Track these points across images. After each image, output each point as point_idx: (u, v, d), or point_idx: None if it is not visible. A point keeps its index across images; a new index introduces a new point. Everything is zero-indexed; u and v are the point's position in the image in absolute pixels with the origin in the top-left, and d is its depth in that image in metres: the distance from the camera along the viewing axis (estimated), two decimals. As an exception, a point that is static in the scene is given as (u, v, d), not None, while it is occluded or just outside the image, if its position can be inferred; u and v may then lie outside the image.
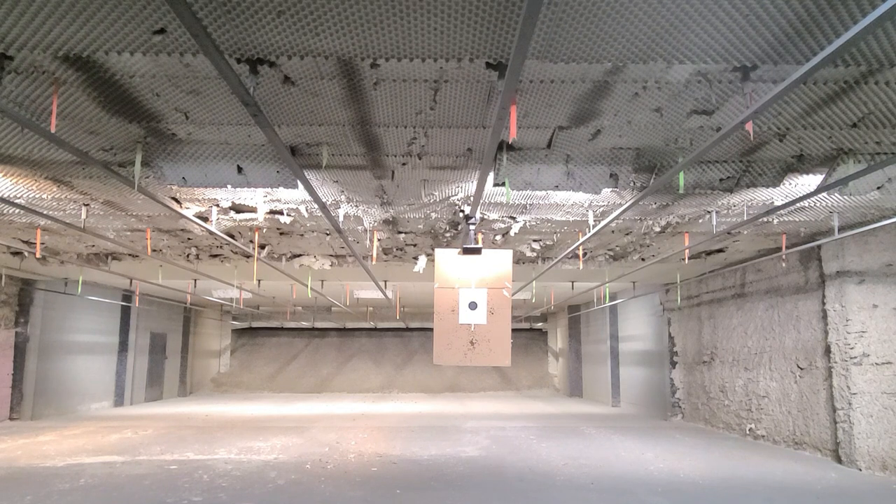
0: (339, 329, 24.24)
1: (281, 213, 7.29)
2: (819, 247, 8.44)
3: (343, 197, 6.63)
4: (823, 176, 5.68)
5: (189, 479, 6.89)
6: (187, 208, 7.04)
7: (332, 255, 10.21)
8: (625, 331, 16.18)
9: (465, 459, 8.27)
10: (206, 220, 7.44)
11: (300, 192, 6.40)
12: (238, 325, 23.66)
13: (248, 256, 10.02)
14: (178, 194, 6.51)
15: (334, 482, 6.85)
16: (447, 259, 5.61)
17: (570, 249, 8.44)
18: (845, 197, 6.42)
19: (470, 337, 5.45)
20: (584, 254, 9.86)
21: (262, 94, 4.04)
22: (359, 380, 22.51)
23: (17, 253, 10.06)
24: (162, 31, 3.28)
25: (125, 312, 16.20)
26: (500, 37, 3.33)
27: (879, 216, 7.22)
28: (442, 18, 3.16)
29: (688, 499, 6.18)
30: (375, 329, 24.14)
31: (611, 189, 5.98)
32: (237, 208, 7.12)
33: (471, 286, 5.53)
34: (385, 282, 12.08)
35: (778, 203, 6.60)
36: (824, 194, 6.30)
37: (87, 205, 6.91)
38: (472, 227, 6.14)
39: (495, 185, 5.71)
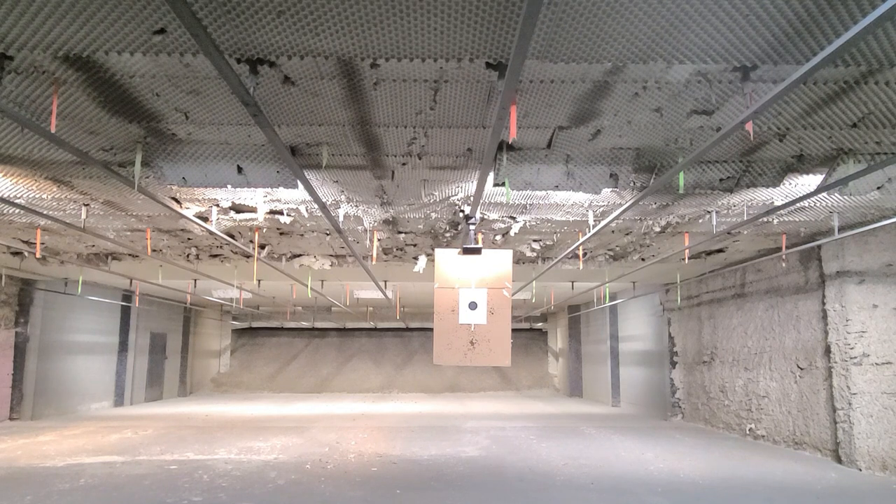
0: (339, 329, 24.24)
1: (281, 213, 7.29)
2: (819, 247, 8.44)
3: (343, 197, 6.63)
4: (823, 176, 5.68)
5: (189, 479, 6.89)
6: (187, 208, 7.04)
7: (332, 255, 10.21)
8: (625, 331, 16.18)
9: (465, 459, 8.27)
10: (206, 220, 7.44)
11: (300, 192, 6.40)
12: (238, 325, 23.66)
13: (248, 256, 10.02)
14: (178, 194, 6.51)
15: (334, 482, 6.85)
16: (447, 259, 5.61)
17: (570, 249, 8.44)
18: (845, 197, 6.42)
19: (470, 337, 5.45)
20: (584, 254, 9.86)
21: (262, 94, 4.04)
22: (359, 380, 22.51)
23: (17, 253, 10.06)
24: (162, 31, 3.28)
25: (125, 312, 16.20)
26: (500, 37, 3.33)
27: (879, 216, 7.22)
28: (442, 18, 3.16)
29: (688, 499, 6.18)
30: (375, 329, 24.14)
31: (611, 189, 5.98)
32: (237, 208, 7.12)
33: (471, 286, 5.53)
34: (385, 282, 12.08)
35: (778, 203, 6.60)
36: (824, 194, 6.30)
37: (87, 205, 6.91)
38: (472, 227, 6.14)
39: (495, 185, 5.71)
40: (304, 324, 23.16)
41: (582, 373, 19.59)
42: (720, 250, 9.73)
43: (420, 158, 5.39)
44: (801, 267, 8.99)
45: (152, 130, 4.77)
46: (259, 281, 12.26)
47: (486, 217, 7.43)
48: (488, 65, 3.66)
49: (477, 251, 5.61)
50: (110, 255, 10.34)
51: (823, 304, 8.38)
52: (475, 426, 11.99)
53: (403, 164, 5.53)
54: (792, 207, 6.73)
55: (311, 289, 12.36)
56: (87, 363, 14.66)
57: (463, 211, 7.17)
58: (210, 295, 15.53)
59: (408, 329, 23.94)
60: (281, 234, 8.48)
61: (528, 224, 7.71)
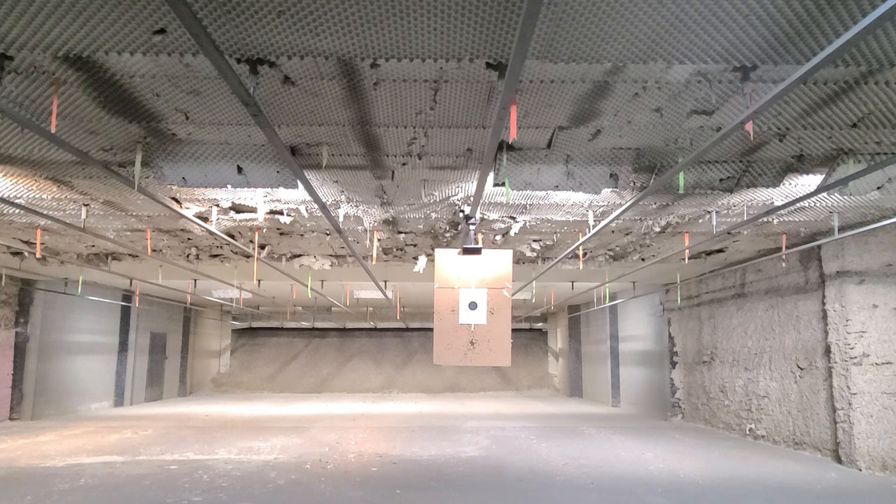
0: (339, 329, 24.24)
1: (281, 213, 7.29)
2: (819, 247, 8.44)
3: (343, 197, 6.63)
4: (823, 176, 5.68)
5: (189, 479, 6.89)
6: (187, 208, 7.04)
7: (332, 256, 10.21)
8: (625, 331, 16.18)
9: (465, 459, 8.27)
10: (206, 220, 7.44)
11: (300, 192, 6.40)
12: (238, 325, 23.66)
13: (248, 256, 10.02)
14: (178, 194, 6.51)
15: (334, 482, 6.85)
16: (447, 259, 5.61)
17: (570, 249, 8.43)
18: (845, 197, 6.42)
19: (470, 337, 5.45)
20: (584, 254, 9.86)
21: (262, 94, 4.04)
22: (359, 380, 22.51)
23: (17, 253, 10.06)
24: (162, 31, 3.28)
25: (125, 312, 16.20)
26: (500, 37, 3.33)
27: (879, 216, 7.22)
28: (442, 18, 3.16)
29: (688, 499, 6.18)
30: (375, 329, 24.14)
31: (611, 189, 5.98)
32: (237, 208, 7.12)
33: (471, 286, 5.53)
34: (385, 282, 12.08)
35: (778, 203, 6.60)
36: (824, 194, 6.30)
37: (87, 205, 6.91)
38: (472, 227, 6.14)
39: (495, 185, 5.72)
40: (304, 324, 23.16)
41: (582, 373, 19.59)
42: (720, 250, 9.73)
43: (420, 158, 5.39)
44: (801, 267, 8.99)
45: (152, 130, 4.77)
46: (259, 281, 12.26)
47: (486, 217, 7.43)
48: (488, 65, 3.66)
49: (477, 251, 5.61)
50: (110, 255, 10.34)
51: (823, 304, 8.38)
52: (475, 426, 11.99)
53: (403, 164, 5.53)
54: (792, 207, 6.73)
55: (311, 289, 12.37)
56: (87, 363, 14.66)
57: (463, 211, 7.17)
58: (210, 295, 15.53)
59: (408, 329, 23.94)
60: (281, 234, 8.48)
61: (528, 224, 7.71)
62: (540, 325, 23.61)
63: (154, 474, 7.18)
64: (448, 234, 8.40)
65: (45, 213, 6.61)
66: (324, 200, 6.50)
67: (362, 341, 24.09)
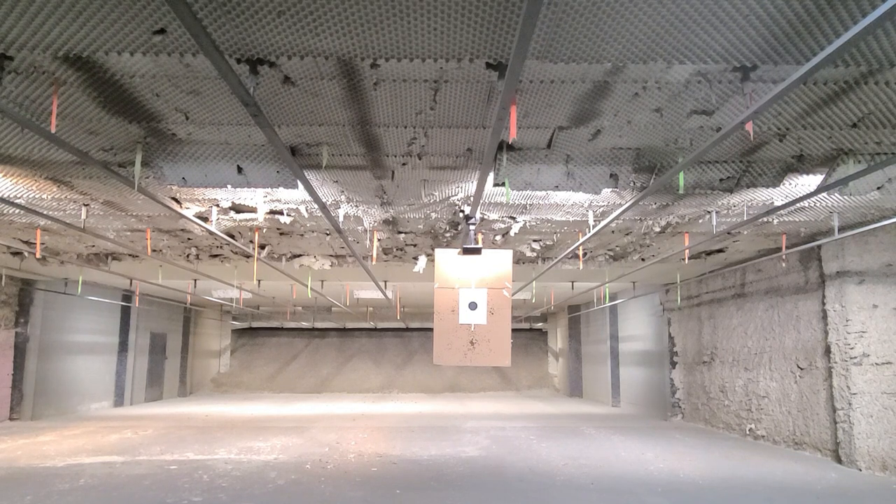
0: (339, 329, 24.23)
1: (281, 213, 7.29)
2: (819, 247, 8.44)
3: (343, 197, 6.63)
4: (823, 176, 5.68)
5: (189, 480, 6.89)
6: (187, 208, 7.04)
7: (332, 256, 10.21)
8: (625, 331, 16.18)
9: (465, 459, 8.27)
10: (206, 220, 7.44)
11: (300, 193, 6.40)
12: (238, 325, 23.66)
13: (248, 256, 10.02)
14: (178, 194, 6.51)
15: (334, 482, 6.85)
16: (447, 259, 5.61)
17: (570, 249, 8.43)
18: (845, 197, 6.42)
19: (470, 337, 5.45)
20: (584, 254, 9.86)
21: (262, 94, 4.04)
22: (359, 380, 22.51)
23: (17, 253, 10.06)
24: (162, 31, 3.28)
25: (125, 312, 16.20)
26: (500, 37, 3.33)
27: (879, 216, 7.22)
28: (442, 18, 3.16)
29: (688, 499, 6.18)
30: (375, 329, 24.14)
31: (611, 189, 5.98)
32: (237, 208, 7.12)
33: (471, 286, 5.53)
34: (385, 282, 12.08)
35: (778, 203, 6.60)
36: (824, 194, 6.30)
37: (87, 205, 6.91)
38: (472, 227, 6.14)
39: (495, 185, 5.71)
40: (304, 324, 23.15)
41: (582, 373, 19.59)
42: (720, 250, 9.73)
43: (420, 158, 5.39)
44: (801, 267, 8.99)
45: (152, 130, 4.77)
46: (259, 281, 12.26)
47: (486, 217, 7.43)
48: (488, 65, 3.66)
49: (477, 251, 5.60)
50: (110, 255, 10.34)
51: (823, 304, 8.38)
52: (475, 426, 11.99)
53: (403, 164, 5.53)
54: (792, 207, 6.73)
55: (311, 289, 12.36)
56: (87, 363, 14.65)
57: (463, 211, 7.17)
58: (210, 295, 15.53)
59: (408, 329, 23.93)
60: (281, 234, 8.48)
61: (528, 224, 7.71)
62: (540, 325, 23.61)
63: (154, 474, 7.18)
64: (448, 234, 8.40)
65: (45, 213, 6.61)
66: (324, 200, 6.50)
67: (362, 341, 24.09)
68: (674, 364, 13.24)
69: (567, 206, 6.84)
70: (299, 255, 10.17)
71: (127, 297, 15.85)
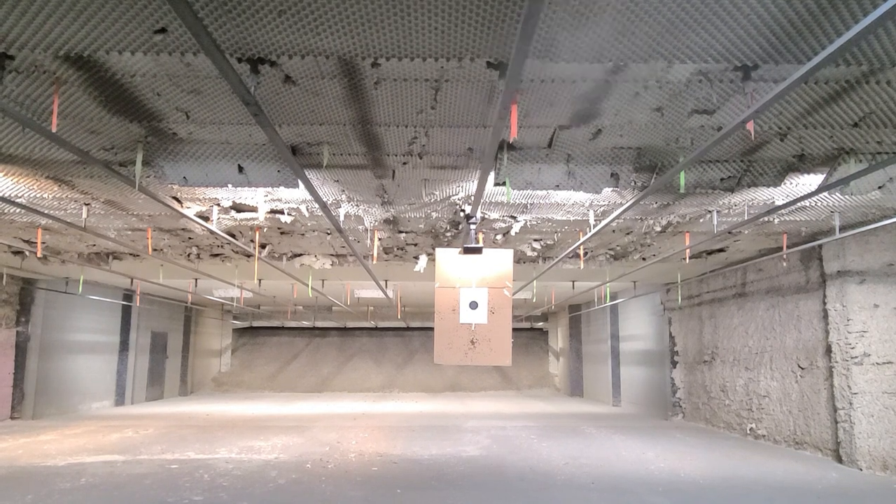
0: (340, 328, 24.24)
1: (282, 212, 7.29)
2: (820, 246, 8.43)
3: (344, 196, 6.63)
4: (824, 175, 5.67)
5: (190, 479, 6.90)
6: (188, 208, 7.05)
7: (332, 255, 10.21)
8: (625, 330, 16.17)
9: (466, 459, 8.27)
10: (206, 219, 7.44)
11: (301, 192, 6.40)
12: (239, 324, 23.66)
13: (249, 256, 10.02)
14: (178, 194, 6.51)
15: (335, 482, 6.85)
16: (448, 258, 5.61)
17: (570, 249, 8.43)
18: (846, 196, 6.41)
19: (470, 336, 5.46)
20: (585, 253, 9.86)
21: (262, 93, 4.04)
22: (359, 379, 22.52)
23: (18, 252, 10.06)
24: (163, 30, 3.28)
25: (126, 312, 16.21)
26: (501, 36, 3.33)
27: (881, 216, 7.21)
28: (442, 18, 3.16)
29: (688, 498, 6.18)
30: (376, 328, 24.14)
31: (611, 188, 5.98)
32: (238, 208, 7.13)
33: (471, 286, 5.53)
34: (386, 281, 12.08)
35: (779, 203, 6.59)
36: (825, 194, 6.30)
37: (88, 204, 6.91)
38: (472, 226, 6.14)
39: (496, 184, 5.71)
40: (305, 323, 23.16)
41: (583, 372, 19.59)
42: (721, 250, 9.72)
43: (421, 158, 5.39)
44: (801, 266, 8.98)
45: (153, 130, 4.77)
46: (260, 280, 12.26)
47: (486, 216, 7.43)
48: (489, 64, 3.66)
49: (478, 251, 5.60)
50: (111, 254, 10.35)
51: (824, 303, 8.38)
52: (476, 426, 12.00)
53: (404, 163, 5.53)
54: (793, 207, 6.72)
55: (312, 288, 12.37)
56: (88, 362, 14.66)
57: (464, 210, 7.17)
58: (211, 294, 15.54)
59: (408, 328, 23.94)
60: (282, 233, 8.48)
61: (528, 223, 7.70)
62: (540, 324, 23.60)
63: (155, 473, 7.19)
64: (449, 234, 8.40)
65: (46, 212, 6.61)
66: (324, 200, 6.50)
67: (363, 341, 24.09)
68: (674, 363, 13.23)
69: (568, 205, 6.84)
70: (300, 255, 10.17)
71: (128, 296, 15.85)
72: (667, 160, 5.42)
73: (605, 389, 17.19)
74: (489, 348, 5.44)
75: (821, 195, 6.34)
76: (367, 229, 8.19)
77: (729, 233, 8.15)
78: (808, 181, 5.90)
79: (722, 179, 5.79)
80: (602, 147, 5.18)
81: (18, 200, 6.63)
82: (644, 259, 10.25)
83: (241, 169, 5.47)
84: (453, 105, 4.27)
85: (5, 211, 7.24)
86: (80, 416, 13.52)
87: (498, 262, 5.59)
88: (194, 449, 8.96)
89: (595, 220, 7.32)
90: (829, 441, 8.24)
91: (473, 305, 5.48)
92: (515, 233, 8.14)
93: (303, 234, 8.57)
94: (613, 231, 8.18)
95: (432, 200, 6.77)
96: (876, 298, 7.87)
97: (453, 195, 6.59)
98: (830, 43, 3.29)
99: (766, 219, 7.32)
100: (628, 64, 3.65)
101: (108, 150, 5.16)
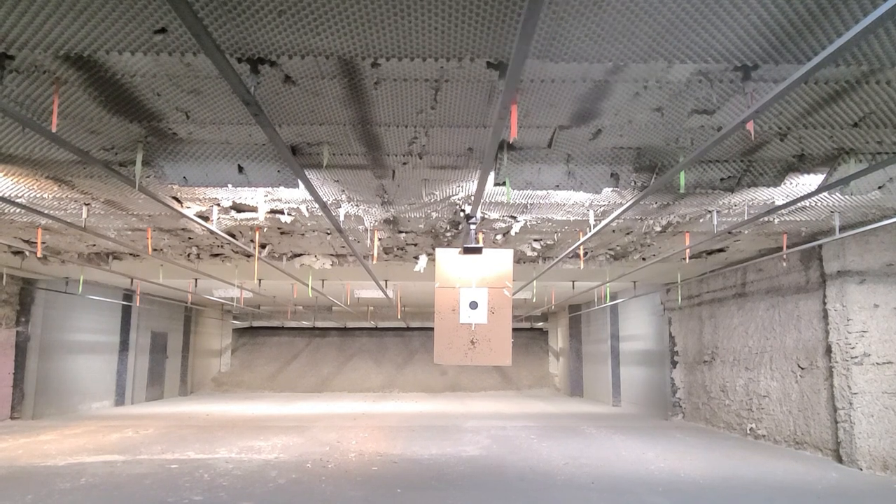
0: (340, 328, 24.24)
1: (282, 212, 7.29)
2: (820, 246, 8.43)
3: (344, 196, 6.63)
4: (824, 175, 5.67)
5: (190, 479, 6.90)
6: (188, 208, 7.05)
7: (332, 255, 10.21)
8: (625, 330, 16.17)
9: (466, 459, 8.27)
10: (206, 219, 7.44)
11: (301, 192, 6.40)
12: (239, 324, 23.66)
13: (249, 256, 10.02)
14: (178, 194, 6.51)
15: (335, 481, 6.85)
16: (448, 258, 5.61)
17: (570, 249, 8.43)
18: (846, 196, 6.41)
19: (470, 336, 5.46)
20: (585, 253, 9.86)
21: (262, 93, 4.04)
22: (359, 379, 22.52)
23: (18, 252, 10.06)
24: (163, 30, 3.28)
25: (126, 312, 16.21)
26: (501, 36, 3.33)
27: (881, 216, 7.21)
28: (442, 18, 3.16)
29: (689, 498, 6.18)
30: (376, 328, 24.14)
31: (611, 188, 5.98)
32: (238, 208, 7.13)
33: (471, 286, 5.53)
34: (386, 281, 12.08)
35: (779, 203, 6.59)
36: (825, 194, 6.30)
37: (88, 204, 6.91)
38: (472, 226, 6.14)
39: (496, 184, 5.71)
40: (305, 323, 23.16)
41: (582, 372, 19.59)
42: (721, 250, 9.72)
43: (421, 158, 5.39)
44: (801, 266, 8.98)
45: (153, 130, 4.77)
46: (260, 280, 12.26)
47: (486, 216, 7.43)
48: (489, 64, 3.66)
49: (478, 251, 5.60)
50: (111, 254, 10.35)
51: (824, 303, 8.38)
52: (476, 426, 12.00)
53: (404, 163, 5.53)
54: (793, 207, 6.72)
55: (312, 288, 12.37)
56: (88, 362, 14.66)
57: (464, 210, 7.17)
58: (211, 294, 15.54)
59: (408, 328, 23.94)
60: (282, 233, 8.48)
61: (528, 223, 7.70)
62: (540, 324, 23.60)
63: (155, 473, 7.19)
64: (449, 234, 8.40)
65: (46, 212, 6.61)
66: (324, 200, 6.50)
67: (363, 341, 24.09)
68: (674, 363, 13.23)
69: (568, 205, 6.84)
70: (300, 255, 10.17)
71: (128, 296, 15.85)
72: (667, 160, 5.42)
73: (605, 389, 17.19)
74: (489, 348, 5.44)
75: (821, 195, 6.34)
76: (367, 229, 8.19)
77: (729, 233, 8.15)
78: (808, 181, 5.90)
79: (722, 179, 5.79)
80: (602, 147, 5.18)
81: (18, 200, 6.63)
82: (644, 259, 10.25)
83: (241, 169, 5.47)
84: (453, 105, 4.27)
85: (5, 211, 7.24)
86: (80, 416, 13.52)
87: (498, 262, 5.59)
88: (194, 449, 8.96)
89: (595, 220, 7.32)
90: (829, 441, 8.24)
91: (473, 305, 5.48)
92: (515, 233, 8.14)
93: (303, 234, 8.57)
94: (613, 231, 8.18)
95: (432, 200, 6.78)
96: (876, 298, 7.87)
97: (453, 195, 6.59)
98: (830, 43, 3.29)
99: (766, 219, 7.32)
100: (628, 64, 3.65)
101: (108, 150, 5.16)
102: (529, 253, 9.64)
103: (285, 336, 24.21)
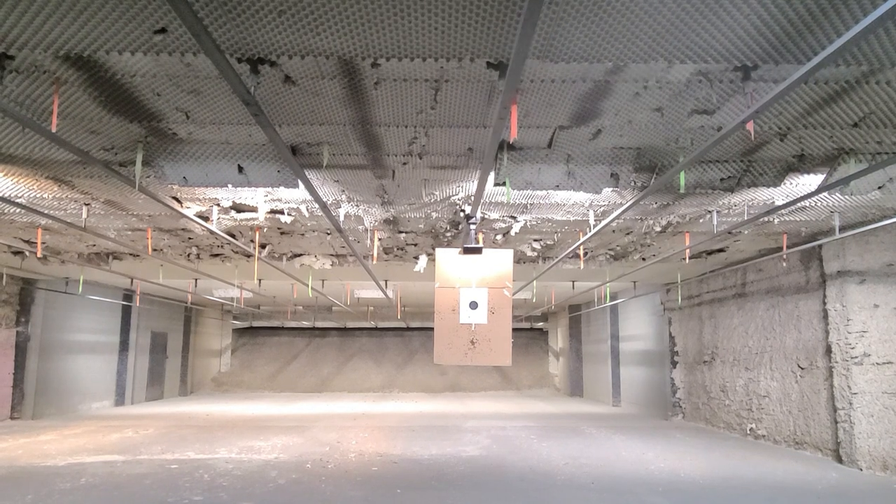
0: (340, 328, 24.24)
1: (282, 212, 7.29)
2: (820, 246, 8.43)
3: (344, 196, 6.63)
4: (824, 175, 5.67)
5: (190, 479, 6.90)
6: (188, 208, 7.05)
7: (332, 255, 10.21)
8: (625, 330, 16.18)
9: (466, 459, 8.27)
10: (206, 219, 7.44)
11: (301, 192, 6.40)
12: (239, 324, 23.66)
13: (249, 256, 10.02)
14: (178, 194, 6.51)
15: (335, 482, 6.85)
16: (448, 258, 5.61)
17: (570, 249, 8.43)
18: (846, 197, 6.41)
19: (470, 336, 5.46)
20: (585, 253, 9.86)
21: (262, 93, 4.04)
22: (359, 379, 22.52)
23: (18, 252, 10.06)
24: (163, 30, 3.28)
25: (126, 312, 16.21)
26: (501, 36, 3.33)
27: (880, 216, 7.21)
28: (442, 18, 3.16)
29: (688, 498, 6.18)
30: (376, 329, 24.14)
31: (611, 189, 5.98)
32: (238, 208, 7.13)
33: (471, 286, 5.53)
34: (386, 281, 12.09)
35: (779, 203, 6.59)
36: (825, 194, 6.30)
37: (88, 204, 6.91)
38: (472, 226, 6.14)
39: (496, 184, 5.71)
40: (305, 323, 23.16)
41: (582, 372, 19.59)
42: (721, 250, 9.72)
43: (421, 158, 5.39)
44: (801, 267, 8.98)
45: (153, 130, 4.77)
46: (260, 280, 12.26)
47: (486, 217, 7.43)
48: (489, 64, 3.66)
49: (478, 251, 5.61)
50: (111, 254, 10.35)
51: (824, 303, 8.38)
52: (476, 426, 12.00)
53: (404, 163, 5.53)
54: (793, 207, 6.73)
55: (312, 288, 12.37)
56: (87, 362, 14.66)
57: (464, 210, 7.17)
58: (211, 294, 15.54)
59: (408, 328, 23.94)
60: (282, 233, 8.48)
61: (528, 224, 7.71)
62: (540, 324, 23.60)
63: (155, 473, 7.19)
64: (449, 234, 8.40)
65: (46, 212, 6.61)
66: (324, 200, 6.51)
67: (363, 341, 24.09)
68: (674, 364, 13.24)
69: (568, 205, 6.84)
70: (300, 255, 10.17)
71: (128, 296, 15.86)
72: (667, 160, 5.42)
73: (604, 389, 17.19)
74: (489, 348, 5.44)
75: (821, 195, 6.34)
76: (367, 229, 8.19)
77: (729, 233, 8.15)
78: (808, 181, 5.90)
79: (722, 179, 5.79)
80: (602, 147, 5.18)
81: (18, 200, 6.63)
82: (644, 259, 10.25)
83: (241, 169, 5.48)
84: (453, 105, 4.27)
85: (5, 211, 7.24)
86: (80, 416, 13.52)
87: (498, 263, 5.59)
88: (194, 449, 8.96)
89: (595, 220, 7.32)
90: (829, 441, 8.24)
91: (473, 305, 5.48)
92: (515, 233, 8.14)
93: (303, 234, 8.57)
94: (613, 231, 8.18)
95: (432, 200, 6.78)
96: (876, 298, 7.87)
97: (453, 195, 6.59)
98: (830, 43, 3.29)
99: (766, 219, 7.32)
100: (628, 64, 3.65)
101: (108, 150, 5.16)
102: (529, 253, 9.64)
103: (285, 336, 24.21)
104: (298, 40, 3.37)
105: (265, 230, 8.26)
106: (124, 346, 16.14)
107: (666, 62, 3.62)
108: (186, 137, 4.93)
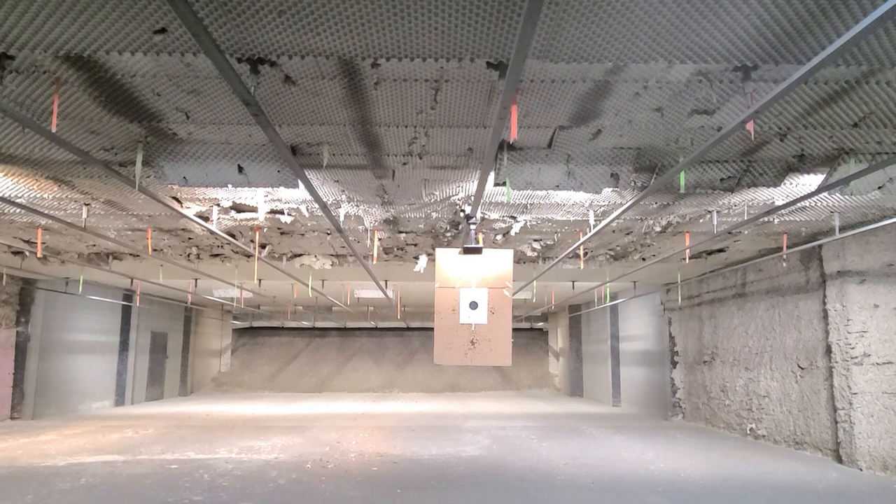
0: (340, 329, 24.24)
1: (282, 212, 7.29)
2: (820, 246, 8.43)
3: (344, 196, 6.63)
4: (824, 176, 5.67)
5: (190, 479, 6.90)
6: (188, 208, 7.05)
7: (332, 255, 10.21)
8: (625, 330, 16.17)
9: (466, 459, 8.27)
10: (206, 219, 7.44)
11: (301, 192, 6.40)
12: (239, 324, 23.66)
13: (249, 256, 10.02)
14: (178, 194, 6.51)
15: (335, 482, 6.85)
16: (448, 259, 5.61)
17: (570, 249, 8.43)
18: (846, 197, 6.41)
19: (470, 336, 5.46)
20: (585, 253, 9.86)
21: (262, 93, 4.04)
22: (359, 379, 22.52)
23: (18, 252, 10.06)
24: (163, 30, 3.28)
25: (126, 312, 16.21)
26: (501, 36, 3.33)
27: (880, 216, 7.21)
28: (442, 18, 3.16)
29: (688, 498, 6.18)
30: (376, 329, 24.14)
31: (611, 189, 5.98)
32: (238, 208, 7.13)
33: (471, 286, 5.53)
34: (386, 281, 12.09)
35: (779, 203, 6.60)
36: (825, 194, 6.30)
37: (88, 204, 6.91)
38: (472, 226, 6.14)
39: (496, 184, 5.71)
40: (305, 323, 23.16)
41: (582, 372, 19.59)
42: (721, 250, 9.72)
43: (421, 158, 5.39)
44: (801, 267, 8.98)
45: (153, 130, 4.77)
46: (260, 280, 12.26)
47: (486, 217, 7.43)
48: (489, 64, 3.66)
49: (478, 251, 5.61)
50: (111, 254, 10.35)
51: (824, 303, 8.38)
52: (476, 426, 12.00)
53: (404, 163, 5.53)
54: (793, 207, 6.73)
55: (312, 288, 12.37)
56: (87, 362, 14.66)
57: (464, 210, 7.17)
58: (211, 294, 15.54)
59: (408, 329, 23.94)
60: (282, 233, 8.48)
61: (528, 224, 7.71)
62: (540, 324, 23.60)
63: (155, 473, 7.19)
64: (449, 234, 8.40)
65: (46, 212, 6.61)
66: (324, 200, 6.51)
67: (363, 341, 24.09)
68: (674, 364, 13.24)
69: (568, 205, 6.84)
70: (300, 255, 10.17)
71: (128, 296, 15.86)
72: (667, 160, 5.42)
73: (604, 389, 17.19)
74: (489, 348, 5.44)
75: (821, 195, 6.34)
76: (367, 229, 8.19)
77: (729, 233, 8.15)
78: (808, 181, 5.90)
79: (722, 179, 5.79)
80: (602, 147, 5.18)
81: (18, 200, 6.63)
82: (644, 259, 10.25)
83: (241, 169, 5.48)
84: (453, 105, 4.27)
85: (5, 211, 7.24)
86: (80, 416, 13.52)
87: (498, 263, 5.59)
88: (194, 449, 8.96)
89: (595, 221, 7.32)
90: (829, 441, 8.24)
91: (473, 305, 5.48)
92: (515, 233, 8.14)
93: (303, 235, 8.57)
94: (613, 231, 8.18)
95: (432, 200, 6.78)
96: (876, 298, 7.87)
97: (453, 195, 6.59)
98: (830, 43, 3.29)
99: (766, 219, 7.32)
100: (628, 64, 3.66)
101: (108, 150, 5.16)
102: (529, 253, 9.64)
103: (285, 336, 24.21)
104: (298, 40, 3.37)
105: (265, 230, 8.27)
106: (124, 346, 16.14)
107: (666, 62, 3.62)
108: (186, 137, 4.93)
